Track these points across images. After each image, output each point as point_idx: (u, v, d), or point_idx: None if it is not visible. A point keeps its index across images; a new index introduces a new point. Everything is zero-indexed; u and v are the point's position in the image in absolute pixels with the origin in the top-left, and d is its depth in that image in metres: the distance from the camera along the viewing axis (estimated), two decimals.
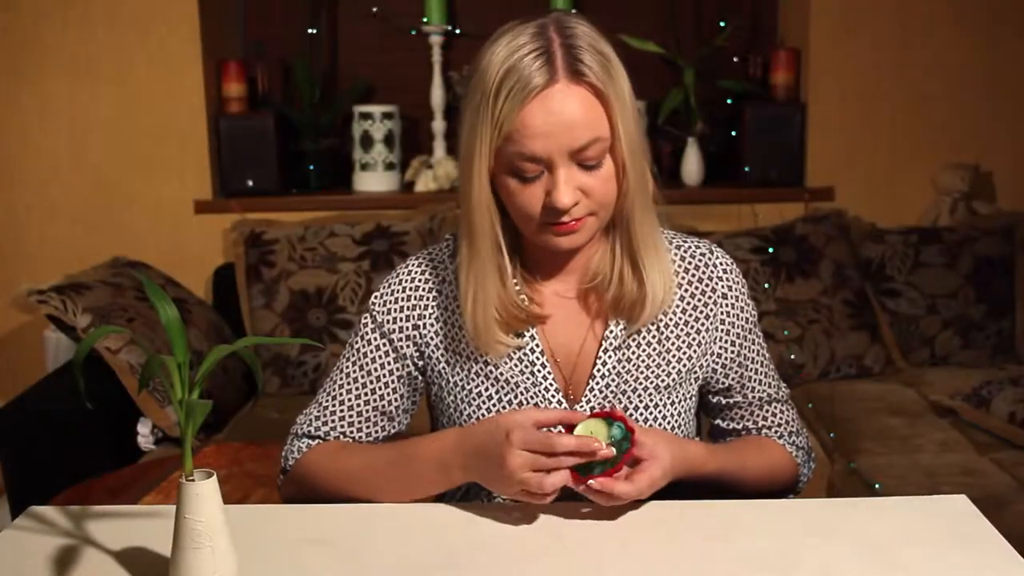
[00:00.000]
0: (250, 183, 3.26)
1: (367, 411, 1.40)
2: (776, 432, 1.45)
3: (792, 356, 2.89)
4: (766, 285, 2.95)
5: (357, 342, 1.41)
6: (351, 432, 1.40)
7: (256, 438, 2.50)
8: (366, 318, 1.41)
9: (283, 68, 3.43)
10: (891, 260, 3.09)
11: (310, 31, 3.34)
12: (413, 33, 3.32)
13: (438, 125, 3.37)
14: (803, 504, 1.32)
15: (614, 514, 1.24)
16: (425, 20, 3.29)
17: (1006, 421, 2.51)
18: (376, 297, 1.41)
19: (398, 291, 1.40)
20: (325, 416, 1.41)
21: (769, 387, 1.45)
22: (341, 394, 1.40)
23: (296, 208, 3.26)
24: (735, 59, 3.38)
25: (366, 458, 1.36)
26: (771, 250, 3.00)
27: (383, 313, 1.39)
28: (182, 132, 3.22)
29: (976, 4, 3.25)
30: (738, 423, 1.45)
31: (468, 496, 1.40)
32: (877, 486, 2.29)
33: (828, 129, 3.30)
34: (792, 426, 1.46)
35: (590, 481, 1.19)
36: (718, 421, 1.47)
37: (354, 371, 1.40)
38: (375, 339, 1.40)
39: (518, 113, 1.21)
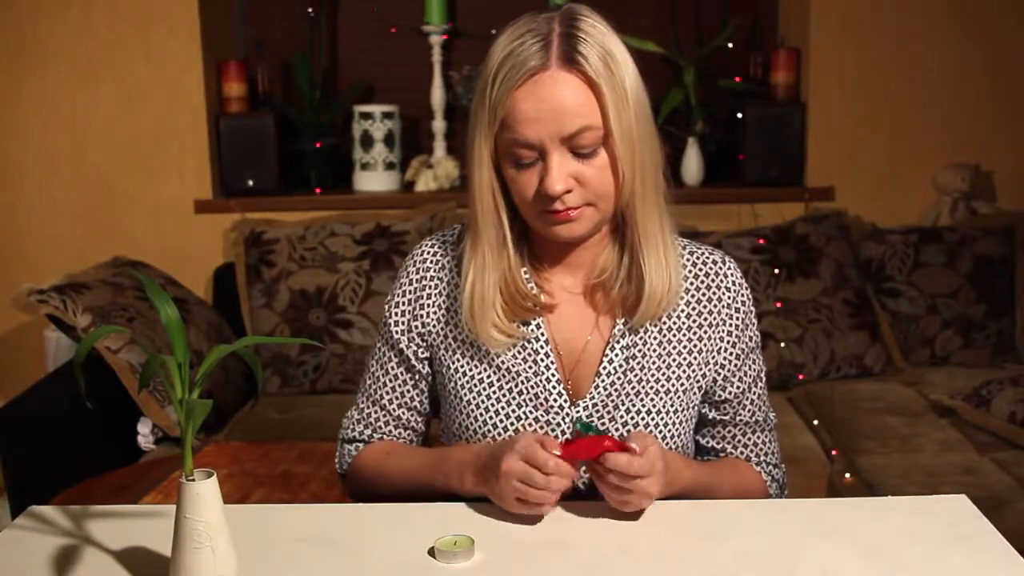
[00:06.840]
0: (250, 183, 3.26)
1: (399, 412, 1.44)
2: (756, 460, 1.44)
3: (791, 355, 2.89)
4: (772, 276, 2.95)
5: (377, 343, 1.45)
6: (390, 431, 1.44)
7: (256, 438, 2.50)
8: (382, 322, 1.44)
9: (283, 68, 3.43)
10: (891, 260, 3.09)
11: (310, 31, 3.34)
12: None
13: (438, 125, 3.37)
14: (803, 504, 1.32)
15: (614, 514, 1.24)
16: (425, 20, 3.29)
17: (1006, 421, 2.51)
18: (388, 299, 1.44)
19: (400, 289, 1.42)
20: (364, 419, 1.45)
21: (759, 411, 1.44)
22: (374, 396, 1.44)
23: (296, 208, 3.27)
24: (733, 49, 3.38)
25: (405, 464, 1.40)
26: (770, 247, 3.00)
27: (390, 318, 1.42)
28: (182, 132, 3.22)
29: (976, 4, 3.25)
30: (719, 443, 1.44)
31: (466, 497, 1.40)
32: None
33: (828, 129, 3.30)
34: (773, 458, 1.46)
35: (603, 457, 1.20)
36: (702, 439, 1.45)
37: (380, 373, 1.44)
38: (385, 350, 1.44)
39: (510, 97, 1.23)
